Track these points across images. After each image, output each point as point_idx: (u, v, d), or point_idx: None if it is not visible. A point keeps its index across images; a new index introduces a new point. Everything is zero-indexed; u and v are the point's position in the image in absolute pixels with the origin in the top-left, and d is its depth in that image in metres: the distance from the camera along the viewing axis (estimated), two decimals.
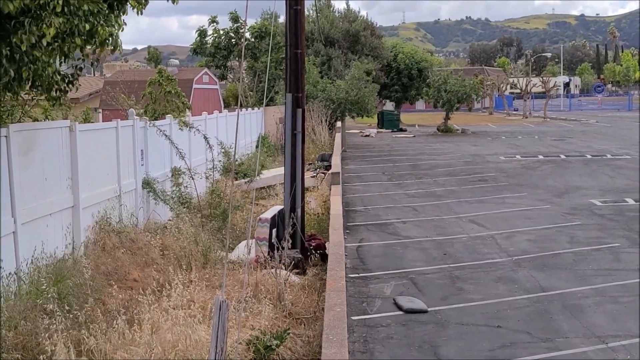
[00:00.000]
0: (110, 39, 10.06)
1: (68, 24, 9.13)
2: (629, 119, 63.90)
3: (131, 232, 13.63)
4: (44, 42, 8.99)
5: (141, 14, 10.78)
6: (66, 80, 11.32)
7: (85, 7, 9.19)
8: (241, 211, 17.71)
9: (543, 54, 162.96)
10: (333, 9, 55.38)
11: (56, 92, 11.21)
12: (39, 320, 8.48)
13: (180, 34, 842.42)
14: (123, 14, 10.51)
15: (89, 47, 10.36)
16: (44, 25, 8.82)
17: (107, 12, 9.84)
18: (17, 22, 8.78)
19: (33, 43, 8.90)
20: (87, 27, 9.38)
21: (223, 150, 20.08)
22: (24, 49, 8.87)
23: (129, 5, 10.47)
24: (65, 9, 9.01)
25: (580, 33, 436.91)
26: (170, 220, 15.65)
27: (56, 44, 9.59)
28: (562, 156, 31.68)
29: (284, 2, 14.05)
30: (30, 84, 10.73)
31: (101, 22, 9.61)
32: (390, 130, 53.11)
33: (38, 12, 8.82)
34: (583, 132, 47.91)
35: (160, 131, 16.68)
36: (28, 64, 9.44)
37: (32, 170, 10.99)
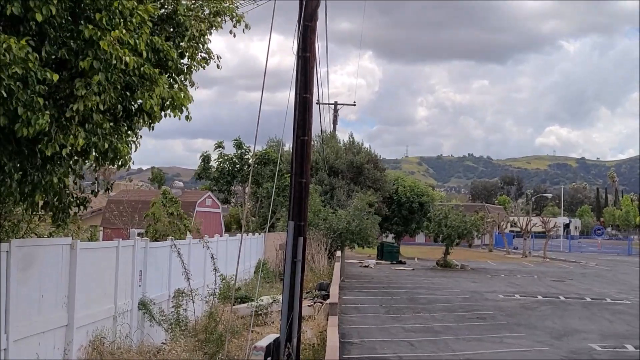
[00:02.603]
0: (125, 157, 10.22)
1: (87, 140, 9.28)
2: (629, 264, 63.84)
3: (125, 353, 13.43)
4: (64, 153, 9.01)
5: (152, 129, 10.96)
6: (78, 203, 11.47)
7: (106, 125, 9.39)
8: (237, 338, 17.48)
9: (544, 194, 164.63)
10: (338, 140, 56.39)
11: (62, 213, 11.30)
12: None
13: (185, 156, 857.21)
14: (138, 130, 10.75)
15: (102, 164, 10.49)
16: (71, 136, 8.91)
17: (125, 130, 10.08)
18: (43, 133, 8.82)
19: (55, 152, 8.92)
20: (105, 145, 9.54)
21: (222, 278, 20.08)
22: (48, 154, 8.87)
23: (141, 123, 10.65)
24: (86, 126, 9.17)
25: (581, 176, 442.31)
26: (164, 342, 15.45)
27: (72, 160, 9.73)
28: (562, 297, 31.47)
29: (292, 131, 14.36)
30: (41, 204, 10.84)
31: (122, 140, 9.85)
32: (390, 262, 52.96)
33: (65, 122, 8.93)
34: (583, 275, 47.76)
35: (176, 249, 16.86)
36: (42, 186, 9.51)
37: (29, 287, 10.95)
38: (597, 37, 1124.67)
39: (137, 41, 9.20)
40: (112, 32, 8.75)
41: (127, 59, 8.95)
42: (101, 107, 9.02)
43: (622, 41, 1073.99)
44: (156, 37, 10.08)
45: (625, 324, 23.77)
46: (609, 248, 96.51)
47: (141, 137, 10.84)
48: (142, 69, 9.51)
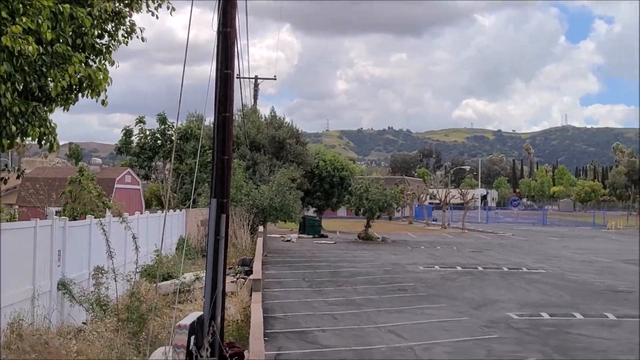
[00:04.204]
0: (45, 138, 10.02)
1: None
2: (544, 234, 65.82)
3: (44, 335, 13.17)
4: None
5: (67, 110, 10.79)
6: None
7: (16, 109, 9.13)
8: (159, 316, 17.33)
9: (462, 167, 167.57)
10: (259, 115, 56.14)
11: None
12: None
13: (102, 131, 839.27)
14: (50, 112, 10.52)
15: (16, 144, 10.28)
16: None
17: (43, 113, 9.86)
18: None
19: None
20: (14, 129, 9.31)
21: (157, 254, 19.89)
22: None
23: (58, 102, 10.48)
24: None
25: (498, 148, 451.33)
26: (84, 323, 15.22)
27: None
28: (480, 268, 32.22)
29: (213, 107, 14.22)
30: None
31: (33, 122, 9.61)
32: (312, 235, 53.27)
33: None
34: (500, 245, 48.96)
35: (101, 225, 16.56)
36: None
37: None
38: (511, 11, 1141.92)
39: (39, 22, 8.86)
40: (14, 26, 8.43)
41: (30, 48, 8.68)
42: (8, 96, 8.75)
43: (536, 15, 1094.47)
44: (67, 4, 9.73)
45: (541, 292, 24.51)
46: (524, 219, 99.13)
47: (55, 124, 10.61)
48: (54, 47, 9.24)
